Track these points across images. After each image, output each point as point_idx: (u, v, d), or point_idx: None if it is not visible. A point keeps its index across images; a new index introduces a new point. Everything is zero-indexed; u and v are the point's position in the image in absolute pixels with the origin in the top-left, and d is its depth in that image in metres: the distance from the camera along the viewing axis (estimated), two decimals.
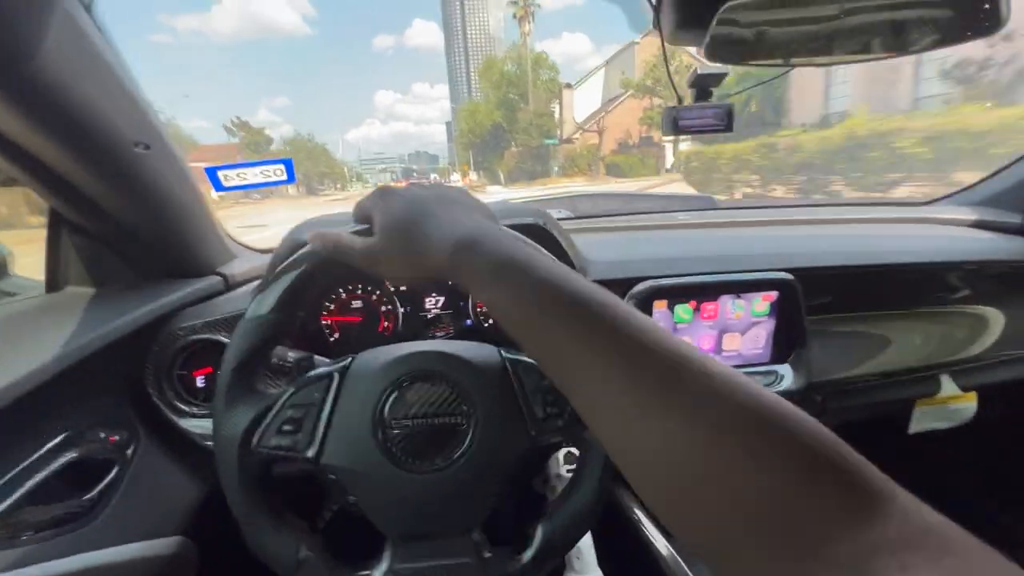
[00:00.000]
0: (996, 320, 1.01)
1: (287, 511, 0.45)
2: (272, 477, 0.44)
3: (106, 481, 0.59)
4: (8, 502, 0.49)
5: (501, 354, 0.46)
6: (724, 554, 0.23)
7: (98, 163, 0.52)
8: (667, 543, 0.80)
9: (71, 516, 0.54)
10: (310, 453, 0.42)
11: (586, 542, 0.77)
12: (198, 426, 0.70)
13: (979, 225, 1.15)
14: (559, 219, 1.29)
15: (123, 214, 0.61)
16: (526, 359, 0.46)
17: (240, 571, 0.46)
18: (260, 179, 0.82)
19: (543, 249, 0.38)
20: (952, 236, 1.10)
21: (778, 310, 0.85)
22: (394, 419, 0.43)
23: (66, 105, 0.45)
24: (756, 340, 0.86)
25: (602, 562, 0.76)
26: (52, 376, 0.53)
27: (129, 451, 0.64)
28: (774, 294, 0.84)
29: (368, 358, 0.46)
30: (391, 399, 0.43)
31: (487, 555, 0.43)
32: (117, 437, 0.64)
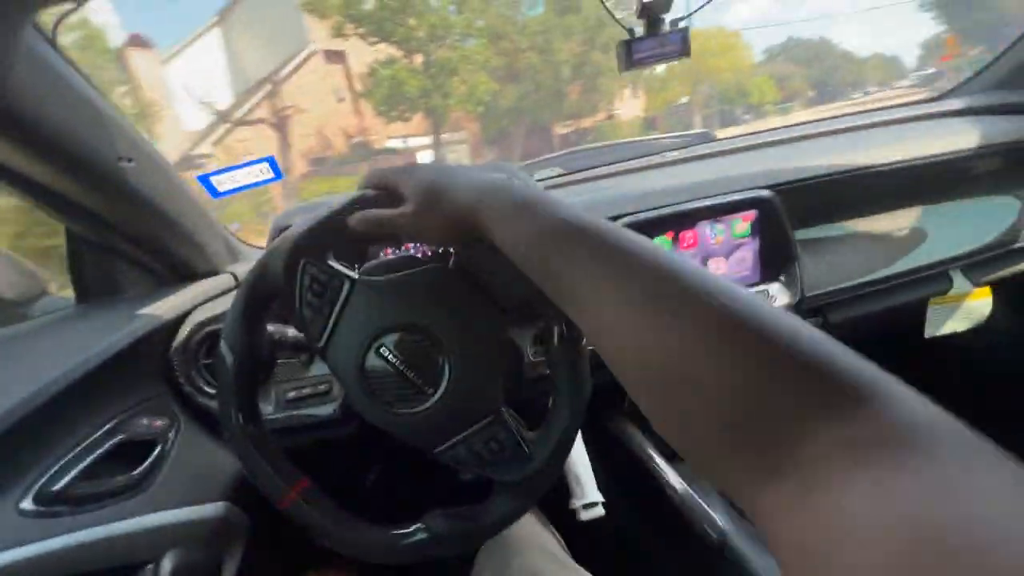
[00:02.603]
0: (1008, 208, 0.96)
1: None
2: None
3: (152, 458, 0.68)
4: (65, 480, 0.58)
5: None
6: (705, 459, 0.24)
7: (89, 181, 0.59)
8: (672, 472, 0.82)
9: (122, 488, 0.63)
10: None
11: (585, 467, 0.81)
12: None
13: (994, 111, 1.08)
14: (549, 177, 1.31)
15: (125, 225, 0.69)
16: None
17: (288, 536, 0.52)
18: (249, 179, 0.88)
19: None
20: (952, 126, 1.04)
21: (760, 229, 0.85)
22: (375, 379, 0.47)
23: (44, 133, 0.52)
24: (742, 262, 0.86)
25: (605, 491, 0.80)
26: (87, 372, 0.61)
27: (171, 433, 0.73)
28: (753, 213, 0.84)
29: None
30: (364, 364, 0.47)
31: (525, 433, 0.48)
32: (160, 422, 0.73)
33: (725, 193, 0.85)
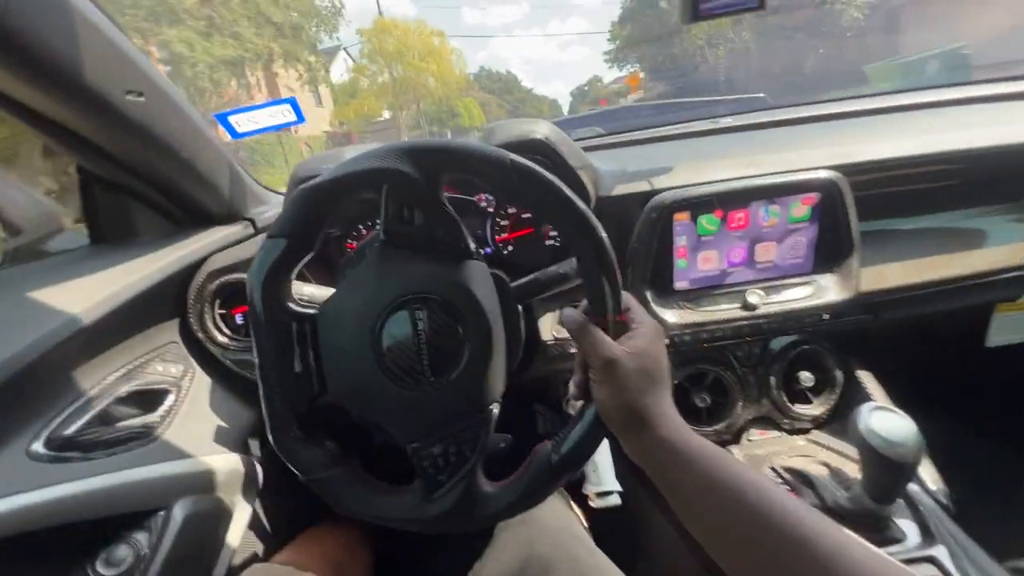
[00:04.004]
0: None
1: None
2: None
3: (165, 406, 0.67)
4: (77, 424, 0.57)
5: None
6: None
7: (95, 115, 0.55)
8: None
9: (135, 436, 0.62)
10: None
11: (604, 455, 0.78)
12: (241, 359, 0.77)
13: None
14: (589, 137, 1.22)
15: (136, 164, 0.65)
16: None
17: (298, 489, 0.52)
18: (271, 121, 0.83)
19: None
20: None
21: (820, 214, 0.77)
22: (390, 340, 0.43)
23: (45, 59, 0.47)
24: (795, 248, 0.79)
25: (621, 478, 0.77)
26: (101, 316, 0.60)
27: (184, 381, 0.72)
28: (814, 196, 0.75)
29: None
30: (385, 323, 0.43)
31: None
32: (174, 370, 0.72)
33: (784, 171, 0.76)
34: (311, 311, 0.45)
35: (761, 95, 1.31)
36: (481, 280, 0.46)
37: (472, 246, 0.46)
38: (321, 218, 0.42)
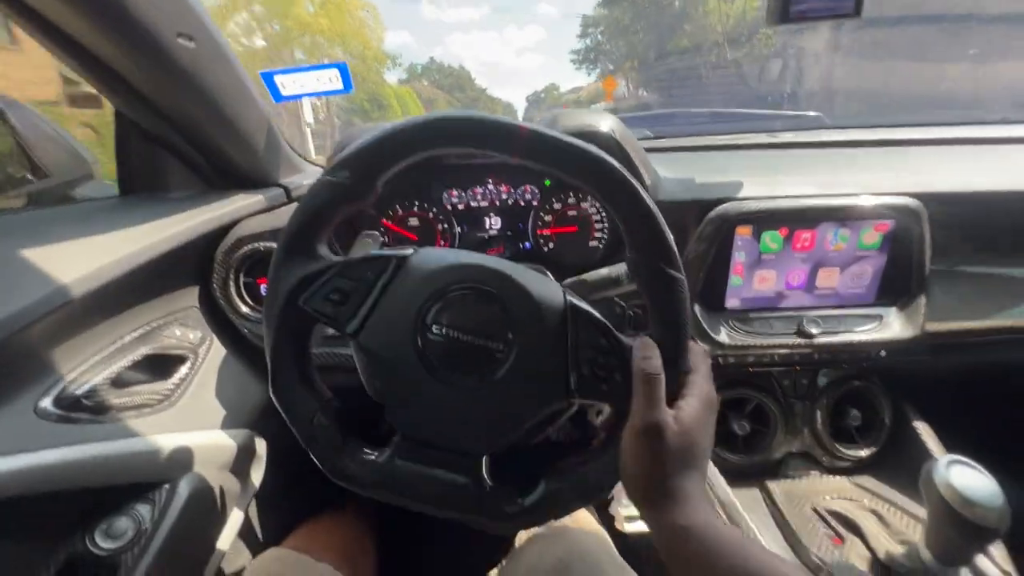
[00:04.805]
0: None
1: (316, 376, 0.45)
2: (308, 338, 0.44)
3: (180, 374, 0.64)
4: (89, 384, 0.53)
5: (565, 296, 0.42)
6: None
7: (143, 52, 0.51)
8: (724, 486, 0.74)
9: (148, 402, 0.59)
10: (350, 328, 0.41)
11: None
12: (261, 331, 0.73)
13: None
14: (638, 139, 1.17)
15: (177, 115, 0.61)
16: (588, 309, 0.41)
17: (305, 469, 0.49)
18: (317, 87, 0.79)
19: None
20: None
21: (892, 243, 0.71)
22: (436, 324, 0.41)
23: None
24: (859, 277, 0.74)
25: None
26: (124, 273, 0.56)
27: (202, 349, 0.69)
28: (889, 223, 0.70)
29: (429, 255, 0.43)
30: (438, 304, 0.41)
31: (488, 485, 0.40)
32: (192, 335, 0.68)
33: (857, 193, 0.70)
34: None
35: (818, 114, 1.25)
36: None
37: None
38: (387, 166, 0.41)
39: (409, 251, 0.43)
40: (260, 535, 0.76)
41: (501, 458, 0.42)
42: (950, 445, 0.76)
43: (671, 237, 0.39)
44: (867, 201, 0.69)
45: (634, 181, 0.38)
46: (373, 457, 0.41)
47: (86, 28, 0.47)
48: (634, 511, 0.69)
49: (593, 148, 0.39)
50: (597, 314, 0.41)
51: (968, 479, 0.48)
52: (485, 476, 0.41)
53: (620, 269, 0.56)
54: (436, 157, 0.41)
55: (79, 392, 0.53)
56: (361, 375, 0.46)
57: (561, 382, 0.40)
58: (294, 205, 0.83)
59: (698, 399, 0.39)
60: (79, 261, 0.53)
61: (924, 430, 0.77)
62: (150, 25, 0.49)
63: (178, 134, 0.66)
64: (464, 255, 0.43)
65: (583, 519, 0.66)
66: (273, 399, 0.42)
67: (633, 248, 0.39)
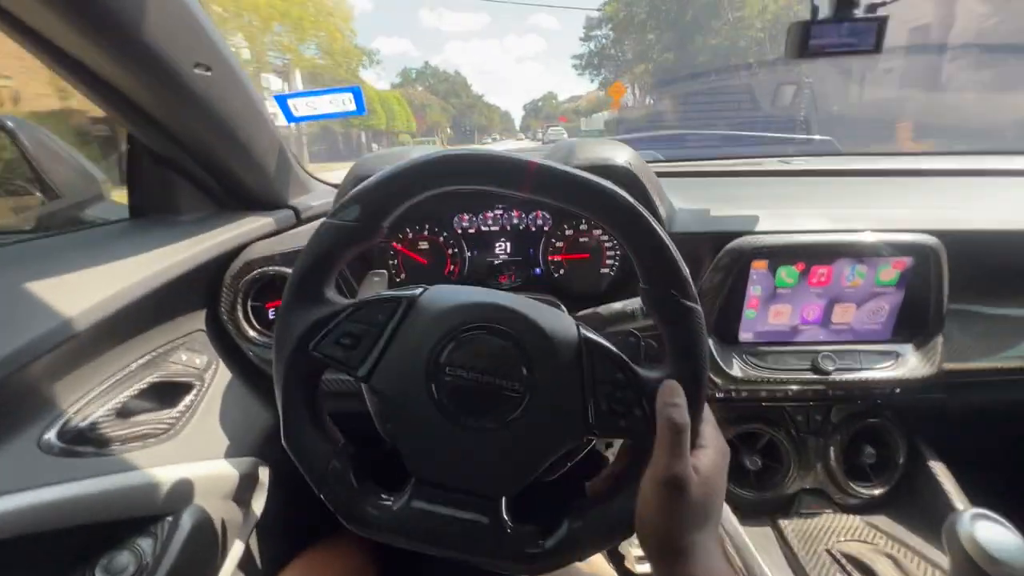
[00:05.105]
0: None
1: (328, 420, 0.44)
2: (319, 383, 0.43)
3: (185, 402, 0.63)
4: (94, 416, 0.52)
5: (579, 331, 0.41)
6: None
7: (160, 83, 0.51)
8: (735, 523, 0.73)
9: (153, 432, 0.58)
10: (362, 372, 0.40)
11: None
12: (268, 357, 0.72)
13: None
14: (647, 162, 1.17)
15: (190, 140, 0.61)
16: (603, 342, 0.40)
17: (308, 495, 0.48)
18: (330, 109, 0.78)
19: None
20: None
21: (909, 281, 0.70)
22: (449, 366, 0.40)
23: (119, 22, 0.43)
24: (875, 314, 0.72)
25: None
26: (134, 300, 0.55)
27: (207, 374, 0.68)
28: (907, 260, 0.69)
29: (439, 294, 0.42)
30: (451, 344, 0.40)
31: (508, 526, 0.39)
32: (198, 360, 0.67)
33: (875, 229, 0.70)
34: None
35: (829, 138, 1.25)
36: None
37: None
38: (392, 206, 0.40)
39: (418, 291, 0.42)
40: (260, 564, 0.74)
41: (520, 496, 0.41)
42: (964, 485, 0.75)
43: (685, 268, 0.38)
44: (886, 238, 0.68)
45: (646, 213, 0.38)
46: (389, 502, 0.40)
47: (105, 61, 0.47)
48: None
49: (603, 182, 0.38)
50: (612, 347, 0.40)
51: (993, 534, 0.47)
52: (505, 517, 0.39)
53: (635, 303, 0.55)
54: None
55: (83, 425, 0.52)
56: (374, 418, 0.45)
57: (579, 419, 0.39)
58: (303, 228, 0.83)
59: (714, 449, 0.38)
60: (88, 291, 0.52)
61: (940, 470, 0.76)
62: (169, 59, 0.48)
63: (190, 157, 0.66)
64: (475, 293, 0.42)
65: (592, 558, 0.65)
66: (285, 447, 0.41)
67: (647, 280, 0.39)
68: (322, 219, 0.41)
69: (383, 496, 0.41)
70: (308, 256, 0.41)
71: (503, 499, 0.40)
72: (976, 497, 0.71)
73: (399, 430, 0.41)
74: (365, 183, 0.40)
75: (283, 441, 0.41)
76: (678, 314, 0.38)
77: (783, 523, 0.75)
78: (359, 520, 0.40)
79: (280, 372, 0.41)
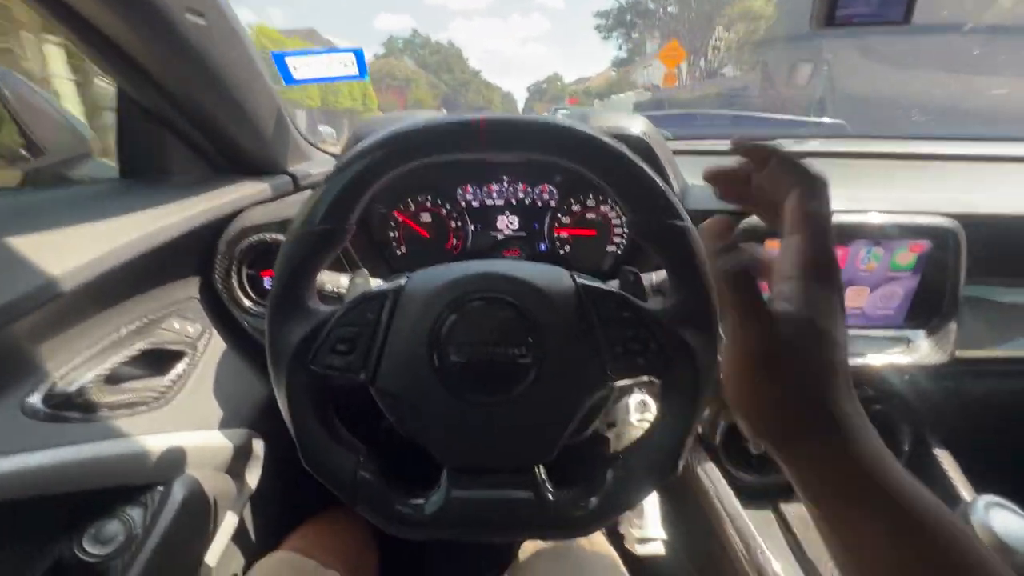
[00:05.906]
0: None
1: (343, 430, 0.42)
2: (327, 394, 0.41)
3: (177, 370, 0.60)
4: (81, 381, 0.50)
5: (574, 279, 0.39)
6: None
7: (150, 27, 0.47)
8: (737, 507, 0.72)
9: (143, 400, 0.56)
10: (363, 376, 0.39)
11: (650, 499, 0.71)
12: (263, 327, 0.70)
13: None
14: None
15: (181, 94, 0.57)
16: (601, 285, 0.39)
17: (303, 468, 0.47)
18: (329, 72, 0.75)
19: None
20: None
21: (926, 265, 0.68)
22: (452, 345, 0.38)
23: None
24: (889, 299, 0.70)
25: (665, 523, 0.70)
26: (123, 263, 0.53)
27: (200, 343, 0.65)
28: (925, 244, 0.67)
29: (424, 278, 0.41)
30: (449, 323, 0.38)
31: (550, 495, 0.38)
32: (191, 328, 0.65)
33: (892, 211, 0.67)
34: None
35: (841, 122, 1.22)
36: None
37: None
38: (351, 204, 0.38)
39: (403, 280, 0.41)
40: (254, 537, 0.73)
41: (555, 464, 0.40)
42: (969, 473, 0.74)
43: (670, 189, 0.36)
44: (904, 220, 0.66)
45: (612, 141, 0.36)
46: (422, 501, 0.39)
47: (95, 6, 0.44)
48: (647, 532, 0.67)
49: (558, 120, 0.36)
50: (611, 288, 0.39)
51: (1009, 524, 0.46)
52: (547, 486, 0.38)
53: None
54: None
55: (70, 389, 0.50)
56: (390, 419, 0.43)
57: (596, 367, 0.38)
58: (301, 195, 0.79)
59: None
60: (75, 250, 0.49)
61: (945, 458, 0.75)
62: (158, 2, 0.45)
63: (182, 115, 0.63)
64: (459, 268, 0.41)
65: (592, 537, 0.64)
66: (306, 467, 0.39)
67: (632, 209, 0.36)
68: (288, 230, 0.39)
69: (419, 494, 0.39)
70: (283, 273, 0.38)
71: (540, 468, 0.39)
72: (980, 486, 0.70)
73: (419, 426, 0.40)
74: (318, 192, 0.38)
75: (304, 464, 0.39)
76: (671, 237, 0.36)
77: (785, 508, 0.74)
78: (401, 523, 0.39)
79: (283, 394, 0.39)
